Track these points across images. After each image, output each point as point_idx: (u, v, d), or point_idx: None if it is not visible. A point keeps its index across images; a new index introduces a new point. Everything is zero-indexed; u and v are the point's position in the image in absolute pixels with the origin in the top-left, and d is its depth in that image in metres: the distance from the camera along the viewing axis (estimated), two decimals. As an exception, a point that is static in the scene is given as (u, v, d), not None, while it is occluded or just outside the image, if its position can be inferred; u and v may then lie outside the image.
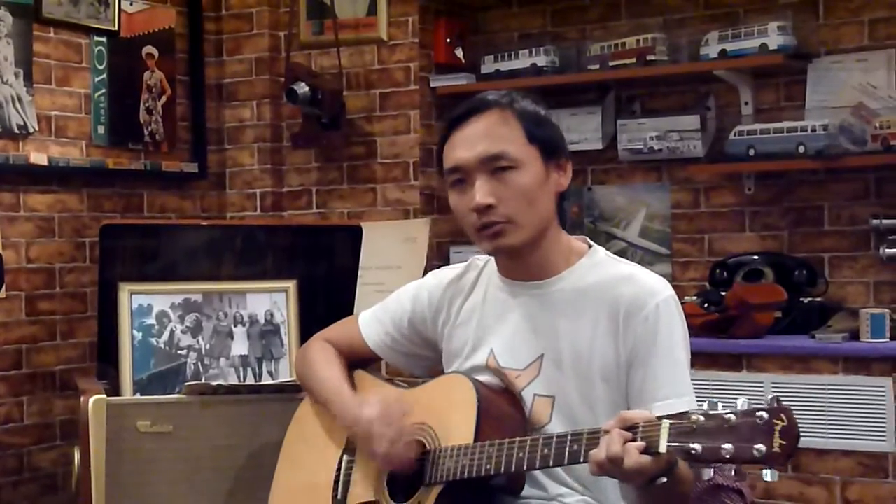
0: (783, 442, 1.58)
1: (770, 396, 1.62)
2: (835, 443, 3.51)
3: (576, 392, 2.02)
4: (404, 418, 2.08)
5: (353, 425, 2.17)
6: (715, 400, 1.67)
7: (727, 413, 1.62)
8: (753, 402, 1.63)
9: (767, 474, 1.60)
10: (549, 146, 2.04)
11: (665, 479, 1.71)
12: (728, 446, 1.60)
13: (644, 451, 1.68)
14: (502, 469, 1.90)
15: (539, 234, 2.04)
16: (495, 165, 2.00)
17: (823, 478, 3.52)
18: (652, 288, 2.01)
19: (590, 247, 2.12)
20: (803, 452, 3.53)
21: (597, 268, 2.07)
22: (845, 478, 3.49)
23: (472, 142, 2.02)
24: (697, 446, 1.63)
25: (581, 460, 1.80)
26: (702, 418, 1.64)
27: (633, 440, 1.70)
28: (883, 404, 3.44)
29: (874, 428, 3.45)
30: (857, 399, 3.47)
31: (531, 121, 2.04)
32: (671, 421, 1.67)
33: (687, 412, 1.67)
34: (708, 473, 1.60)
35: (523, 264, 2.08)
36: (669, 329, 1.99)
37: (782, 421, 1.59)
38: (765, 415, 1.59)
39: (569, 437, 1.83)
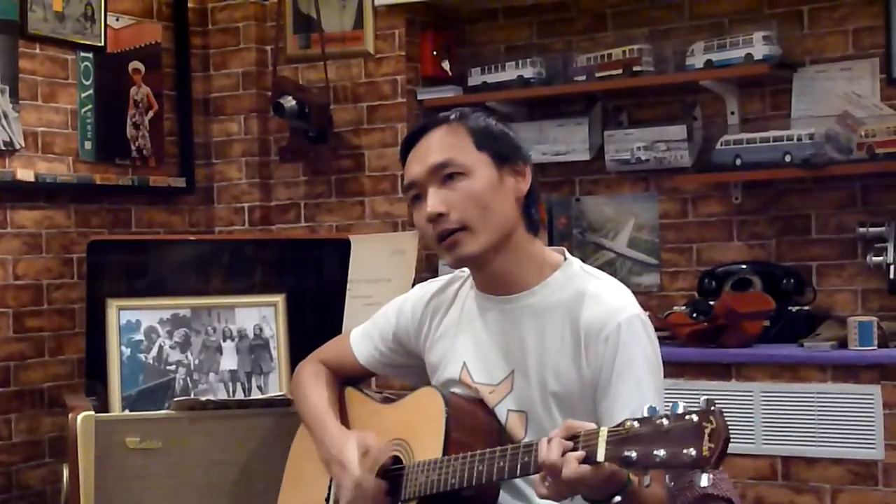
0: (711, 445, 1.55)
1: (703, 398, 1.59)
2: (824, 451, 3.51)
3: (545, 408, 2.01)
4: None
5: (329, 465, 2.17)
6: (653, 405, 1.66)
7: (660, 419, 1.61)
8: (691, 405, 1.60)
9: (703, 478, 1.56)
10: (501, 152, 2.04)
11: (619, 499, 1.71)
12: (661, 452, 1.58)
13: (585, 461, 1.67)
14: (465, 483, 1.89)
15: (500, 241, 2.01)
16: (444, 173, 2.01)
17: (814, 486, 3.52)
18: (613, 307, 1.98)
19: (565, 259, 2.09)
20: (793, 461, 3.54)
21: (568, 283, 2.04)
22: (835, 486, 3.49)
23: (422, 156, 2.05)
24: (633, 453, 1.61)
25: (531, 472, 1.79)
26: (637, 424, 1.63)
27: (575, 449, 1.69)
28: (872, 412, 3.44)
29: (863, 436, 3.45)
30: (846, 407, 3.47)
31: (480, 131, 2.05)
32: (608, 429, 1.67)
33: (625, 420, 1.65)
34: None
35: (494, 277, 2.06)
36: (631, 349, 1.95)
37: (711, 423, 1.56)
38: (695, 418, 1.57)
39: (521, 449, 1.82)
